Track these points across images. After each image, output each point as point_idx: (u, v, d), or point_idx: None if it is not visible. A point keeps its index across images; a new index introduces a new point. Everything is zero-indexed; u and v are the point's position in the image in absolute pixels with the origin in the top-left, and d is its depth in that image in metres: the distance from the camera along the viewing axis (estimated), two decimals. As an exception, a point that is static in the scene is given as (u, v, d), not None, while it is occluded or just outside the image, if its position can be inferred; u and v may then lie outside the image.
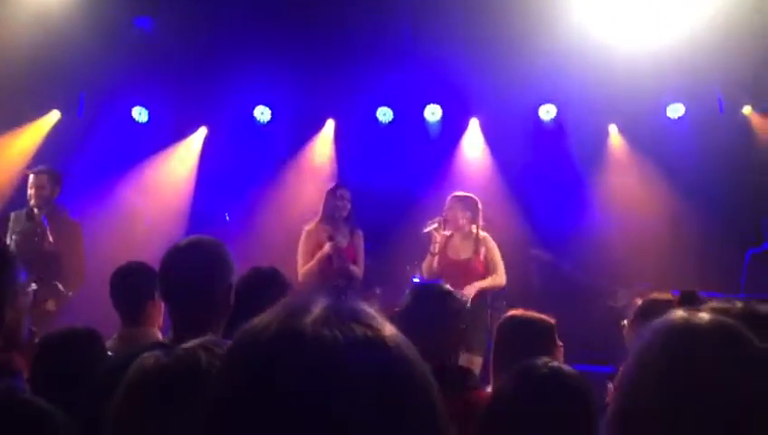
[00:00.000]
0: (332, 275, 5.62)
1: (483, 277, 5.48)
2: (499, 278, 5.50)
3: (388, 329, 0.77)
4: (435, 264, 5.47)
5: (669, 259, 6.57)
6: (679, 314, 1.01)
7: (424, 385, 0.76)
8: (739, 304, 1.92)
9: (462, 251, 5.52)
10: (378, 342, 0.74)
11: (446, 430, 0.77)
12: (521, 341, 2.93)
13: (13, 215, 5.64)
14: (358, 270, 5.74)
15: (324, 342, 0.72)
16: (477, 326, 5.19)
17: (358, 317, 0.76)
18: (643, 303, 3.07)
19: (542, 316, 3.05)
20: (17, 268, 2.20)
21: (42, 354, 2.71)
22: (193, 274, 2.44)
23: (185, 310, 2.39)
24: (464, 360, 4.52)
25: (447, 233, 5.54)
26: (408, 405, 0.73)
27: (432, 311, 2.56)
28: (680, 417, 0.90)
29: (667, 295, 2.82)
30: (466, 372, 2.54)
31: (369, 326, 0.75)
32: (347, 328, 0.73)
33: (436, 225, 5.49)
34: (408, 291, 2.72)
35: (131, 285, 3.15)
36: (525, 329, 2.98)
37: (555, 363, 1.61)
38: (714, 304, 1.52)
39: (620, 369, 1.00)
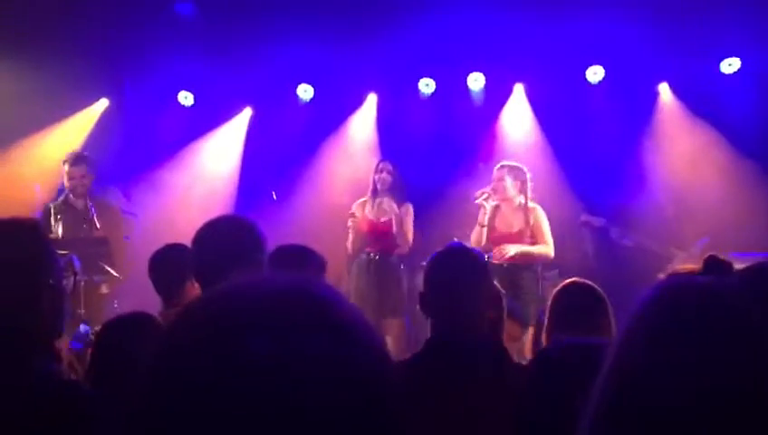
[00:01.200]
0: (365, 248, 5.71)
1: None
2: (546, 249, 5.37)
3: (358, 332, 0.66)
4: (484, 236, 5.38)
5: (728, 221, 6.31)
6: (675, 277, 0.94)
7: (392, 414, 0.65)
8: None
9: (512, 223, 5.41)
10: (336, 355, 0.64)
11: None
12: (577, 308, 2.84)
13: (52, 206, 5.54)
14: (401, 242, 5.72)
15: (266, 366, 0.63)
16: (527, 299, 5.09)
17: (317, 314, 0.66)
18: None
19: (595, 285, 2.94)
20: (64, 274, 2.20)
21: (102, 341, 2.73)
22: (222, 252, 2.45)
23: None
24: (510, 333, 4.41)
25: (494, 203, 5.45)
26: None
27: (458, 269, 2.34)
28: (672, 381, 0.83)
29: (692, 267, 2.67)
30: (500, 348, 2.39)
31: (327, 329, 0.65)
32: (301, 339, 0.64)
33: (485, 195, 5.40)
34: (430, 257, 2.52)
35: (169, 265, 3.19)
36: (583, 295, 2.88)
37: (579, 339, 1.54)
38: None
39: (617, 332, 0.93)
